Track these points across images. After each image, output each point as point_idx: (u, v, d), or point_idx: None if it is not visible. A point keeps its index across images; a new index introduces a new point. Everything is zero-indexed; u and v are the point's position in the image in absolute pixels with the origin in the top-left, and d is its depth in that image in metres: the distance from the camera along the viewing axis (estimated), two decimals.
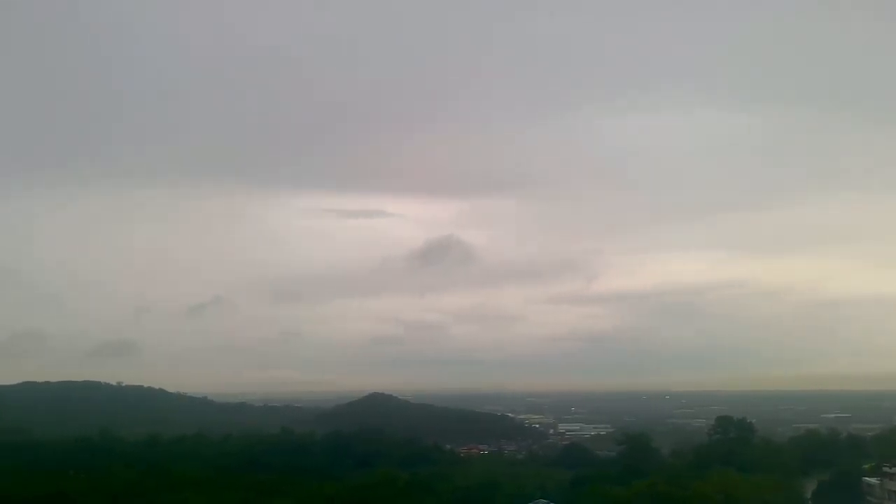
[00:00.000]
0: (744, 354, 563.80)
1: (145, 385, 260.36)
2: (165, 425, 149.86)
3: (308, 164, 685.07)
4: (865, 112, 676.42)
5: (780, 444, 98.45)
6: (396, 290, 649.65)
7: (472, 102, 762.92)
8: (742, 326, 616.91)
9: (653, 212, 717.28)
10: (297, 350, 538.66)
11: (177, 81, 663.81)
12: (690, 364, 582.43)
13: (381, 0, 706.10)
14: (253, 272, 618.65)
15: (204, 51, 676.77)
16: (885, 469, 70.74)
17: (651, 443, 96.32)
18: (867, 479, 72.83)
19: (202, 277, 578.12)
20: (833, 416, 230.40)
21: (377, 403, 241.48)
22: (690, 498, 52.78)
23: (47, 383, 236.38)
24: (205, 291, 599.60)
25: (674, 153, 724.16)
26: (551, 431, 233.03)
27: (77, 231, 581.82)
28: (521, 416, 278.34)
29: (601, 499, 58.16)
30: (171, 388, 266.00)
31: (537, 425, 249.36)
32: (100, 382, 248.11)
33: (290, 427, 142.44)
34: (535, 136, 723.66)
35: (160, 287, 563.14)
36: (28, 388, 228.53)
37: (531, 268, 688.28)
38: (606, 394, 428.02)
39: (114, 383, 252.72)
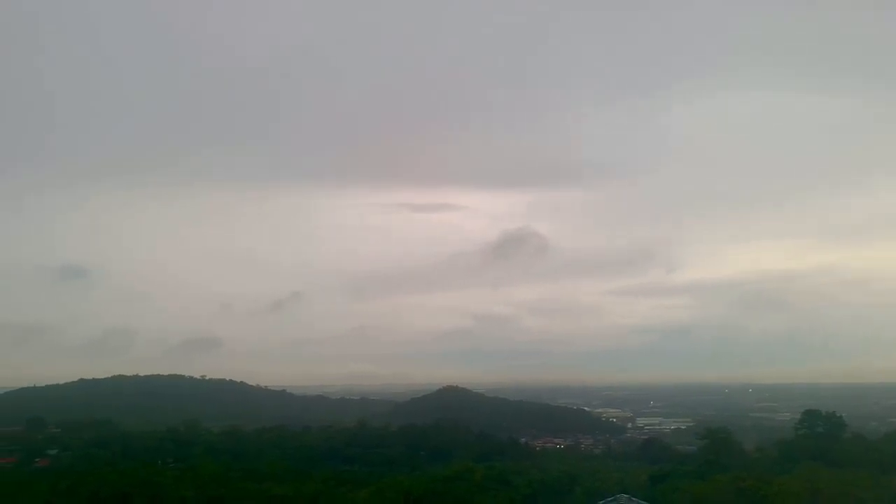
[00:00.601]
0: (832, 346, 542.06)
1: (227, 378, 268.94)
2: (246, 417, 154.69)
3: (378, 160, 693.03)
4: None
5: (873, 439, 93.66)
6: (469, 283, 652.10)
7: (540, 91, 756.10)
8: (830, 316, 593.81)
9: (736, 198, 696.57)
10: (372, 344, 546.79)
11: (249, 86, 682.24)
12: (775, 356, 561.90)
13: None
14: (329, 268, 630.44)
15: (269, 51, 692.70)
16: None
17: (734, 437, 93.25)
18: None
19: (281, 274, 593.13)
20: None
21: (451, 397, 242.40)
22: (776, 494, 50.68)
23: (136, 376, 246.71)
24: (283, 288, 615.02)
25: (757, 135, 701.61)
26: (629, 426, 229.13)
27: (164, 232, 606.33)
28: (598, 410, 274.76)
29: (683, 494, 56.60)
30: (251, 381, 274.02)
31: (615, 419, 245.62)
32: (185, 376, 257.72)
33: (366, 420, 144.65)
34: (608, 122, 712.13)
35: (242, 284, 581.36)
36: (118, 381, 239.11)
37: (608, 258, 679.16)
38: (686, 387, 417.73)
39: (198, 377, 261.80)
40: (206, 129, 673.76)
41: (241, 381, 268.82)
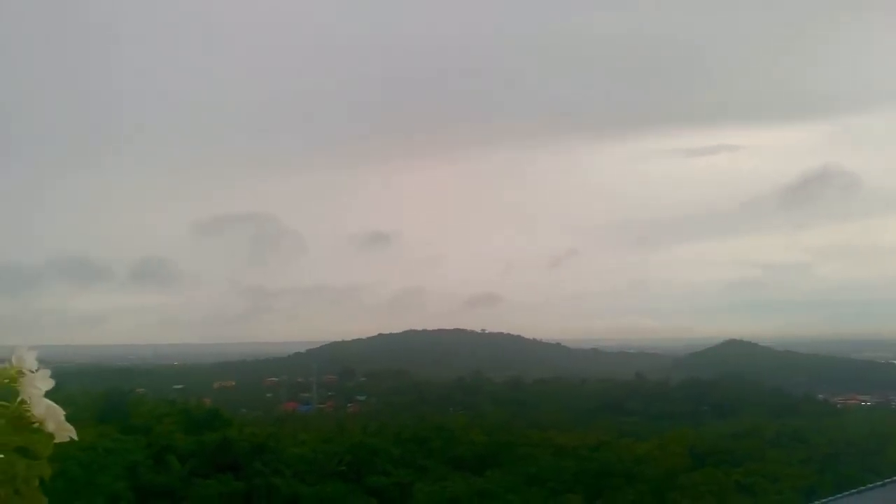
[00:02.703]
0: None
1: (504, 332, 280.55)
2: (522, 368, 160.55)
3: (645, 106, 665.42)
4: None
5: None
6: (755, 229, 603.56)
7: (830, 8, 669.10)
8: None
9: None
10: (648, 296, 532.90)
11: (513, 49, 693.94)
12: None
13: None
14: (604, 221, 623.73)
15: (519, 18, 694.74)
16: None
17: None
18: None
19: (558, 229, 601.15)
20: None
21: (735, 350, 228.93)
22: None
23: (425, 331, 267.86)
24: (560, 242, 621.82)
25: None
26: None
27: (452, 197, 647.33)
28: None
29: None
30: (527, 335, 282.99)
31: None
32: (466, 330, 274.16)
33: (643, 373, 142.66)
34: None
35: (521, 242, 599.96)
36: (409, 335, 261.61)
37: None
38: None
39: (478, 330, 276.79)
40: (475, 95, 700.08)
41: (518, 335, 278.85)
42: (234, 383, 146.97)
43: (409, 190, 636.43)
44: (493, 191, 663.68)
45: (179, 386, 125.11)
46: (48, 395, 1.52)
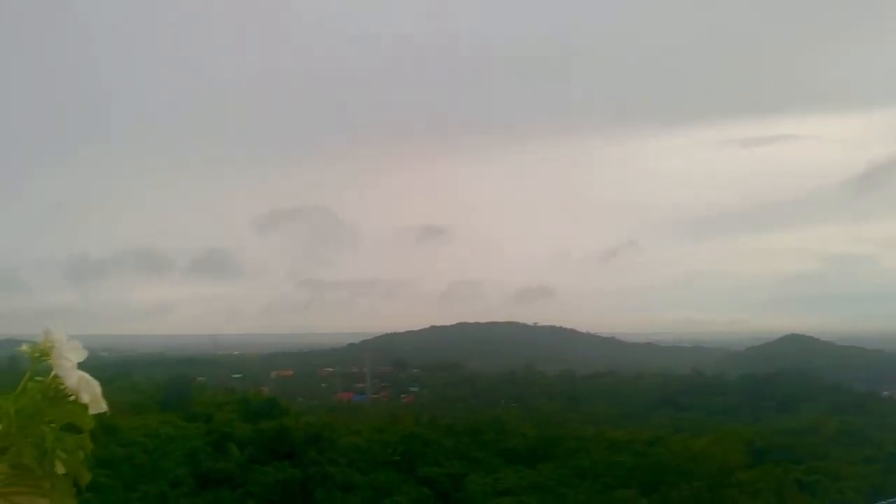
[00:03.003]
0: None
1: (557, 325, 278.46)
2: (575, 362, 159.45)
3: (704, 93, 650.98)
4: None
5: None
6: (817, 220, 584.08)
7: None
8: None
9: None
10: (704, 290, 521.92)
11: (568, 42, 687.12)
12: None
13: None
14: (659, 213, 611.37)
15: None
16: None
17: None
18: None
19: (612, 222, 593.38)
20: None
21: (795, 345, 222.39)
22: None
23: (476, 323, 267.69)
24: (613, 235, 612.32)
25: None
26: None
27: (504, 189, 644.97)
28: None
29: None
30: (580, 328, 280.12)
31: None
32: (518, 322, 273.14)
33: (699, 368, 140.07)
34: None
35: (575, 235, 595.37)
36: (461, 327, 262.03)
37: None
38: None
39: (530, 323, 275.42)
40: (528, 86, 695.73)
41: (571, 328, 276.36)
42: (291, 373, 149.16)
43: (462, 182, 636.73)
44: (546, 183, 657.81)
45: (238, 375, 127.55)
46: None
